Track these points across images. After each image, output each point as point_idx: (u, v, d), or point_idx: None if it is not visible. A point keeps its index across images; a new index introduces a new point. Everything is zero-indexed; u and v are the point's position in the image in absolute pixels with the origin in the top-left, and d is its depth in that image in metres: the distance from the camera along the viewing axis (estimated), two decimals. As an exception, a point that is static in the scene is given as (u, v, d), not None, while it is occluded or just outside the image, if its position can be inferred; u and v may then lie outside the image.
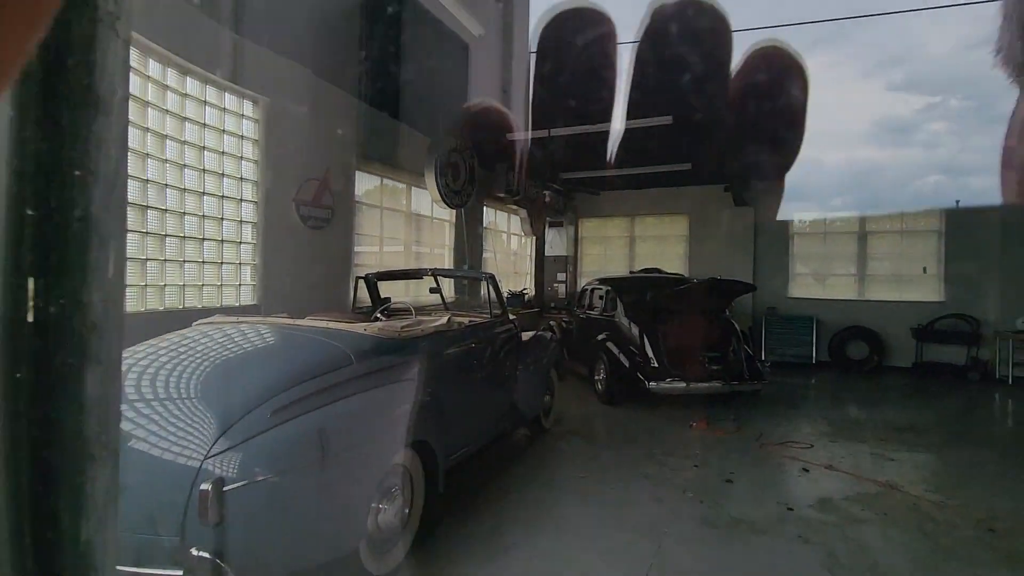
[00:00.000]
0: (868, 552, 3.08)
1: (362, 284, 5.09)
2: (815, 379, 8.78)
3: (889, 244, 9.98)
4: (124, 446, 2.07)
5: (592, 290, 7.90)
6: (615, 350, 6.61)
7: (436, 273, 4.92)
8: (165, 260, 4.38)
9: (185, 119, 4.51)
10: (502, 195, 9.25)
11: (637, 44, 5.58)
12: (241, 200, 5.07)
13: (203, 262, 4.72)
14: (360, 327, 3.02)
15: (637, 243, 11.99)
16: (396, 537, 2.77)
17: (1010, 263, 8.80)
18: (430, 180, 7.26)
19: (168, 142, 4.36)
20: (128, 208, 3.88)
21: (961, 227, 9.29)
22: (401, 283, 5.52)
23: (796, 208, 10.48)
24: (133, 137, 4.10)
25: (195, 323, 3.24)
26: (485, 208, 9.64)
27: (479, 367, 3.95)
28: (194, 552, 1.88)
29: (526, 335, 5.11)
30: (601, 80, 6.08)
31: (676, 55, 5.43)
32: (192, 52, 4.40)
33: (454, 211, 8.27)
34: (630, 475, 4.24)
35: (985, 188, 8.89)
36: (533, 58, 5.70)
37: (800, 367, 9.62)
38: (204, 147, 4.68)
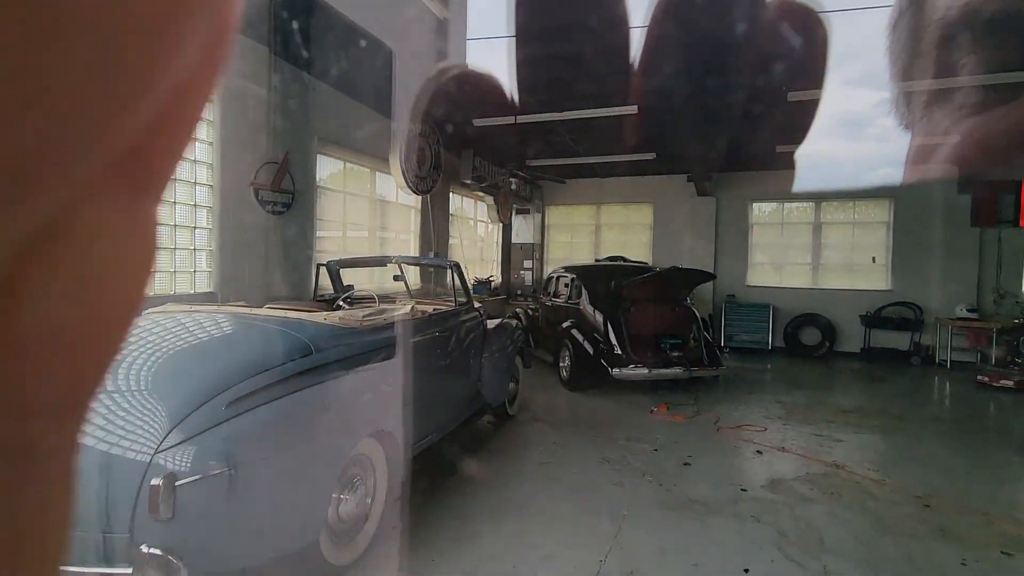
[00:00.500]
0: (815, 529, 3.24)
1: (324, 271, 4.98)
2: (770, 364, 9.12)
3: (842, 235, 10.38)
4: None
5: (558, 278, 7.96)
6: (579, 337, 6.70)
7: (400, 261, 4.86)
8: (113, 245, 4.19)
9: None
10: (469, 181, 9.18)
11: (617, 30, 5.58)
12: (195, 183, 4.87)
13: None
14: (320, 316, 2.96)
15: (603, 231, 12.12)
16: (358, 527, 2.76)
17: (952, 254, 9.30)
18: (394, 165, 7.13)
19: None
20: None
21: (907, 220, 9.73)
22: (365, 271, 5.43)
23: (756, 199, 10.75)
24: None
25: (146, 311, 3.12)
26: (452, 194, 9.55)
27: (443, 355, 3.94)
28: (144, 549, 1.83)
29: (492, 323, 5.12)
30: (570, 67, 6.07)
31: (639, 44, 5.46)
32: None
33: (420, 197, 8.17)
34: (592, 460, 4.33)
35: (929, 182, 9.31)
36: (506, 42, 5.63)
37: (757, 353, 9.97)
38: (154, 127, 4.47)
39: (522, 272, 11.80)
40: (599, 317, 6.60)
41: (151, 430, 2.00)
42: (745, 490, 3.80)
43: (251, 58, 5.17)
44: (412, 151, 7.38)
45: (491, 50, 5.71)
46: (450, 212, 9.54)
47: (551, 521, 3.30)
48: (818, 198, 10.35)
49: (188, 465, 1.93)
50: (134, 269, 0.18)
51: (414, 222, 8.54)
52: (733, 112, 7.25)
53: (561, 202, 12.25)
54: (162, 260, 4.61)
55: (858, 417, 5.75)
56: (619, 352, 6.30)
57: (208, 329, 2.79)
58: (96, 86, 0.14)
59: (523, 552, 2.93)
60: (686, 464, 4.29)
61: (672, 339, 6.68)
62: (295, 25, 5.62)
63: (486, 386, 4.60)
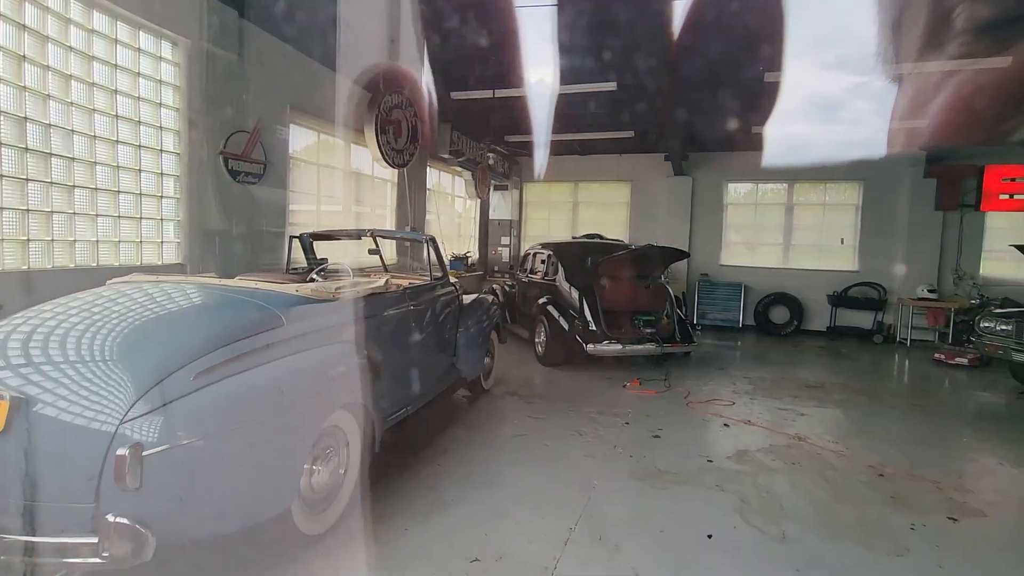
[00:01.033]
0: (775, 497, 3.38)
1: (296, 244, 4.90)
2: (740, 341, 9.35)
3: (813, 216, 10.60)
4: (30, 412, 1.94)
5: (535, 254, 7.97)
6: (555, 313, 6.75)
7: (375, 234, 4.79)
8: (74, 213, 4.04)
9: (93, 58, 4.10)
10: (446, 156, 9.05)
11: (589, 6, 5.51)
12: (161, 151, 4.70)
13: (119, 216, 4.39)
14: (292, 288, 2.92)
15: (581, 208, 12.13)
16: (331, 498, 2.78)
17: (916, 237, 9.59)
18: (370, 137, 6.99)
19: (73, 83, 3.96)
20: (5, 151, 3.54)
21: (876, 203, 9.97)
22: (339, 244, 5.35)
23: (731, 179, 10.87)
24: (32, 76, 3.70)
25: (110, 281, 3.04)
26: (429, 169, 9.43)
27: (418, 329, 3.93)
28: (110, 518, 1.81)
29: (468, 298, 5.12)
30: (547, 42, 5.98)
31: (620, 20, 5.41)
32: (98, -18, 3.97)
33: (396, 171, 8.04)
34: (565, 433, 4.41)
35: (898, 163, 9.53)
36: (487, 15, 5.51)
37: (728, 330, 10.21)
38: (116, 91, 4.28)
39: (499, 248, 11.78)
40: (575, 293, 6.65)
41: (117, 400, 1.97)
42: (711, 461, 3.93)
43: (219, 21, 4.96)
44: (388, 123, 7.24)
45: (472, 22, 5.58)
46: (427, 187, 9.42)
47: (523, 491, 3.37)
48: (791, 178, 10.51)
49: (155, 435, 1.91)
50: None
51: (390, 196, 8.42)
52: (710, 91, 7.27)
53: (539, 179, 12.20)
54: (127, 230, 4.47)
55: (821, 392, 5.97)
56: (594, 328, 6.37)
57: (176, 299, 2.73)
58: None
59: (495, 521, 2.99)
60: (656, 436, 4.41)
61: (646, 316, 6.79)
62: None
63: (461, 360, 4.62)
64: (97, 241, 4.22)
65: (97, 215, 4.21)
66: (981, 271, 9.51)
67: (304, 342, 2.69)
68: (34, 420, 1.94)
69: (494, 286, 8.94)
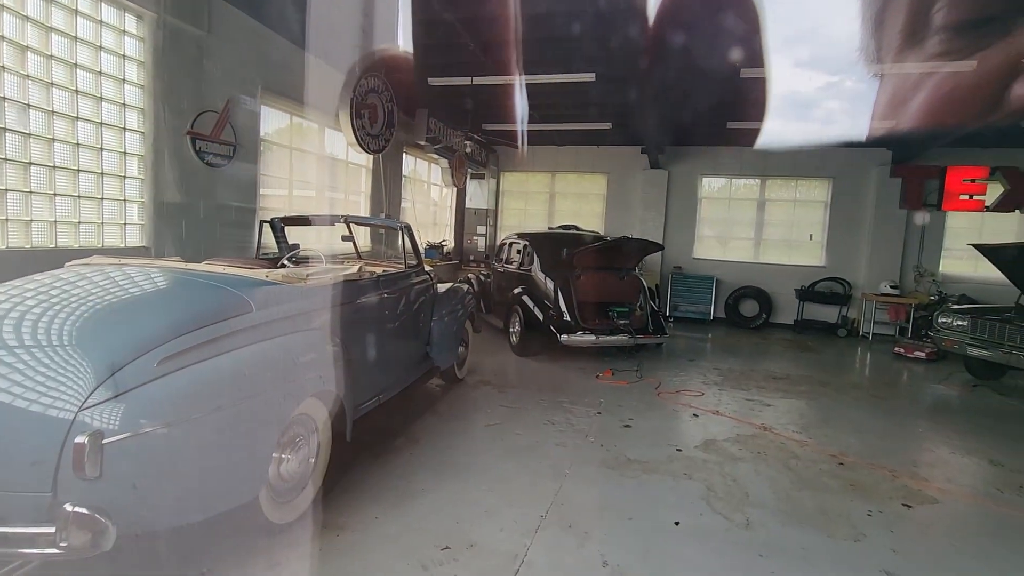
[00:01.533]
0: (741, 485, 3.47)
1: (267, 229, 4.79)
2: (711, 334, 9.53)
3: (784, 212, 10.82)
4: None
5: (510, 244, 7.96)
6: (530, 304, 6.77)
7: (349, 220, 4.72)
8: (30, 192, 3.87)
9: (51, 29, 3.90)
10: (423, 143, 8.94)
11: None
12: (124, 129, 4.53)
13: (79, 196, 4.22)
14: (262, 273, 2.85)
15: (557, 199, 12.14)
16: (300, 486, 2.75)
17: (881, 234, 9.89)
18: (345, 121, 6.86)
19: (29, 55, 3.77)
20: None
21: (844, 200, 10.23)
22: (312, 230, 5.25)
23: (706, 174, 11.00)
24: (-18, 45, 3.51)
25: (69, 263, 2.92)
26: (405, 155, 9.30)
27: (391, 317, 3.90)
28: (68, 508, 1.76)
29: (442, 287, 5.09)
30: (529, 30, 5.93)
31: (600, 10, 5.39)
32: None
33: (371, 156, 7.90)
34: (537, 422, 4.44)
35: (867, 161, 9.78)
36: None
37: (699, 323, 10.40)
38: (76, 64, 4.10)
39: (475, 238, 11.72)
40: (550, 284, 6.68)
41: (75, 387, 1.90)
42: (680, 450, 4.01)
43: (187, -5, 4.78)
44: (364, 107, 7.10)
45: (450, 7, 5.49)
46: (403, 174, 9.30)
47: (494, 479, 3.38)
48: (763, 174, 10.70)
49: (116, 423, 1.85)
50: None
51: (365, 183, 8.29)
52: (687, 85, 7.33)
53: (516, 168, 12.16)
54: (87, 211, 4.30)
55: (787, 384, 6.14)
56: (568, 319, 6.42)
57: (140, 283, 2.64)
58: None
59: (466, 508, 3.00)
60: (627, 426, 4.47)
61: (620, 307, 6.86)
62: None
63: (435, 349, 4.60)
64: (55, 221, 4.06)
65: (55, 194, 4.03)
66: (941, 269, 9.87)
67: (273, 329, 2.63)
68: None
69: (469, 275, 8.90)
